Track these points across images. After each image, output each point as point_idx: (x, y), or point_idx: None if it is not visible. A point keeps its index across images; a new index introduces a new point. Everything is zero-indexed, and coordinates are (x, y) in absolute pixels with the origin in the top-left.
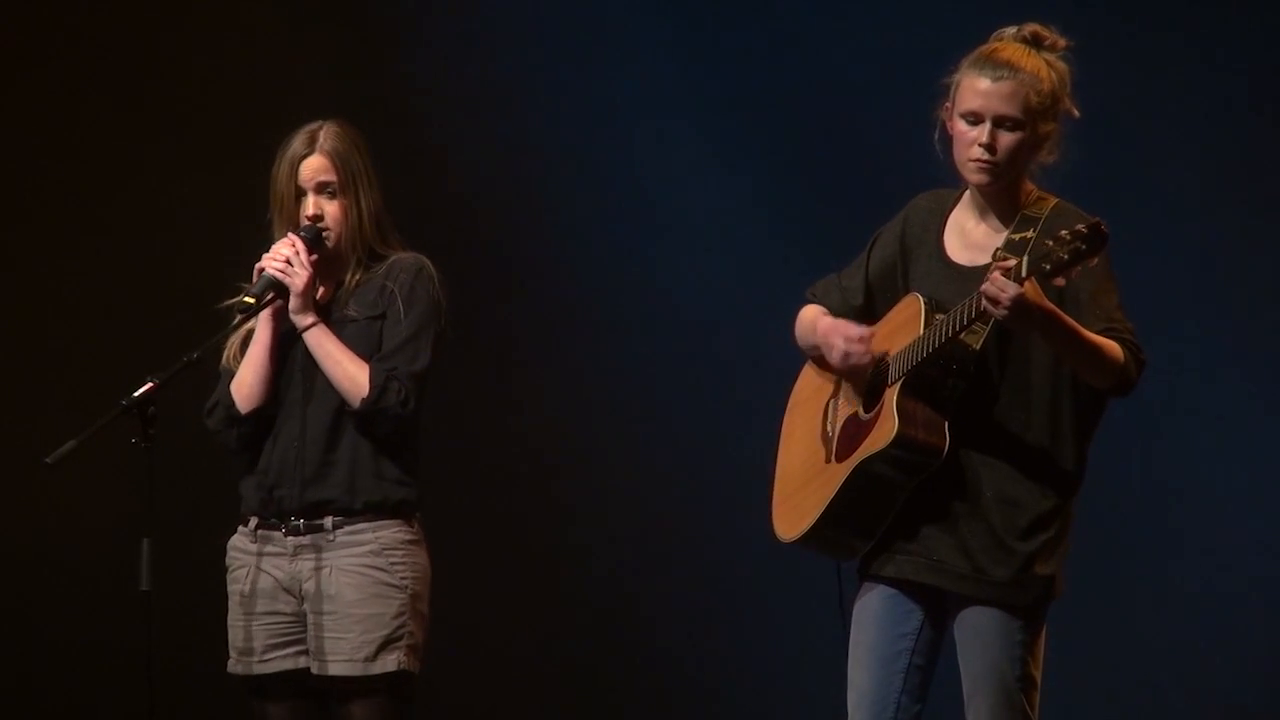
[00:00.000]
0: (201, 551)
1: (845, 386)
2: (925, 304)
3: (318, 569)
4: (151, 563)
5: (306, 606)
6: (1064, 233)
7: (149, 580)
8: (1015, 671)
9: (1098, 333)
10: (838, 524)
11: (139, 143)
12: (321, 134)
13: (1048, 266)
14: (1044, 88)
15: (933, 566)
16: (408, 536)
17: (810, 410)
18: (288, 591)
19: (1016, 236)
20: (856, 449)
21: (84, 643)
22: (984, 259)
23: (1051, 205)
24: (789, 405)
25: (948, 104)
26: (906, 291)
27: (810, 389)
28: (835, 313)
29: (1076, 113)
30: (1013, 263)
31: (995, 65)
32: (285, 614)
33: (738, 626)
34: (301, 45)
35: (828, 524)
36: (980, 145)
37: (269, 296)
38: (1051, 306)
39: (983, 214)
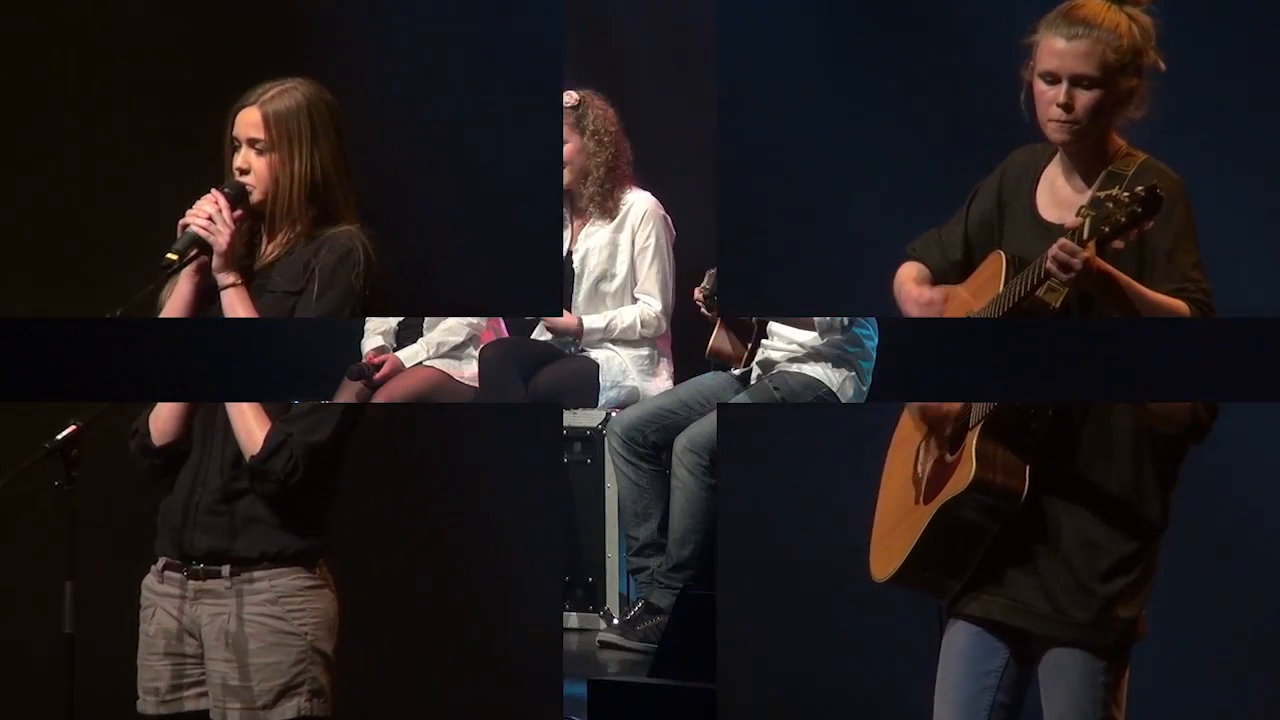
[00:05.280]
0: (125, 593)
1: (936, 427)
2: (1006, 262)
3: (216, 615)
4: (74, 606)
5: (205, 652)
6: (1124, 195)
7: (72, 623)
8: (1098, 713)
9: (1167, 293)
10: (925, 565)
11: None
12: (272, 89)
13: (1106, 229)
14: (1122, 44)
15: (1016, 607)
16: (307, 583)
17: (905, 451)
18: (189, 634)
19: (1101, 194)
20: (940, 492)
21: (5, 687)
22: (1070, 216)
23: (1139, 162)
24: (891, 445)
25: (1030, 63)
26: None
27: (908, 429)
28: (934, 268)
29: (1163, 66)
30: (1078, 223)
31: (1071, 23)
32: (188, 655)
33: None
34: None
35: (916, 565)
36: (1058, 105)
37: (193, 253)
38: (1108, 268)
39: (1071, 171)
